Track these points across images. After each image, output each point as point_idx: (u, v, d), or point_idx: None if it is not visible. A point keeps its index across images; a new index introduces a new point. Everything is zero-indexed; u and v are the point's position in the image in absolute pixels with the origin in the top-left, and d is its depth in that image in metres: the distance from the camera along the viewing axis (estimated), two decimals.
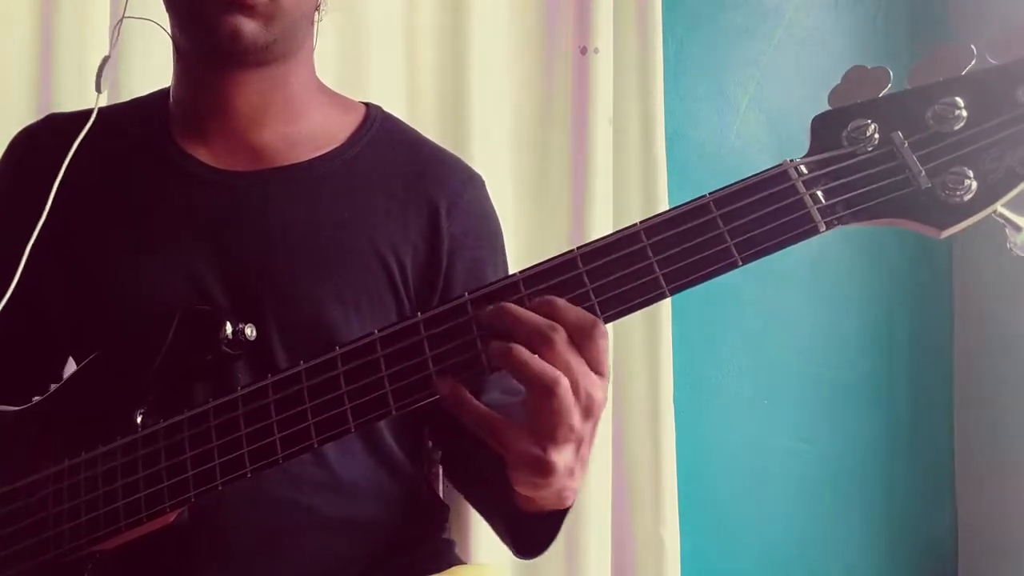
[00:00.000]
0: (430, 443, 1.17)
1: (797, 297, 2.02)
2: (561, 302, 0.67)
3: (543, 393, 0.66)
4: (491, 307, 0.68)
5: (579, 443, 0.69)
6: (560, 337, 0.66)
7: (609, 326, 1.74)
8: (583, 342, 0.67)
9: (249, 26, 0.90)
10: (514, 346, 0.67)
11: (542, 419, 0.67)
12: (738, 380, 1.99)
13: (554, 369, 0.66)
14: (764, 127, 2.01)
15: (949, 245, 2.09)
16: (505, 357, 0.67)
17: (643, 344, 1.77)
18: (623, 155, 1.79)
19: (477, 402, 0.69)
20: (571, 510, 0.81)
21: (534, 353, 0.66)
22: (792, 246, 0.63)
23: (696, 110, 1.99)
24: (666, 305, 1.74)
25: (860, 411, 2.05)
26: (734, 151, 1.98)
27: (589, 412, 0.68)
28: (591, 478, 1.66)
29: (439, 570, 1.05)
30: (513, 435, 0.68)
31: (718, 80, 2.01)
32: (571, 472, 0.70)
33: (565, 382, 0.66)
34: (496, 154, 1.71)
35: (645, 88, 1.80)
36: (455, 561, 1.10)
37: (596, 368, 0.67)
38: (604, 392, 0.69)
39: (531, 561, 1.63)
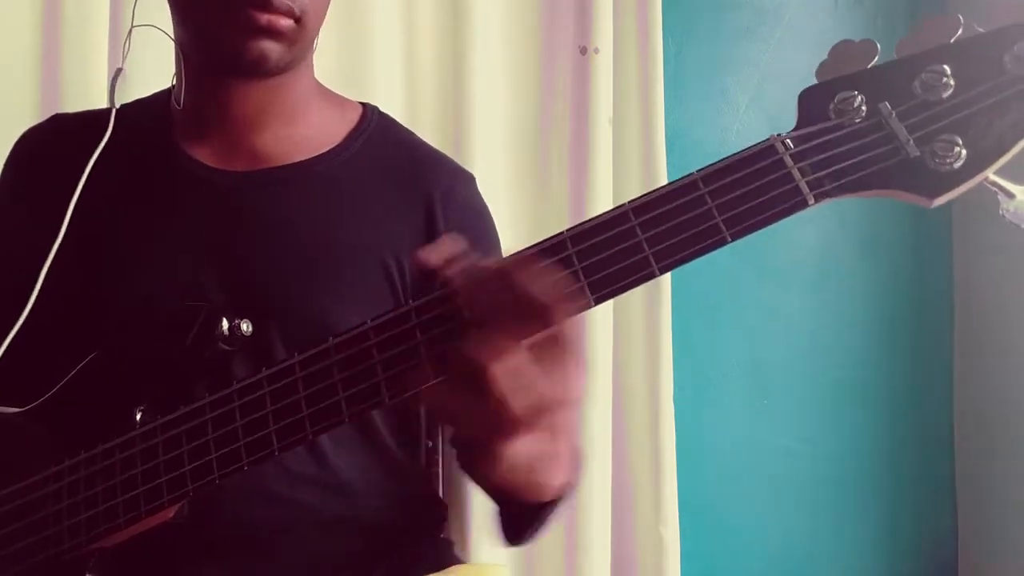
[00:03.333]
0: (429, 443, 1.16)
1: (797, 296, 2.02)
2: (537, 269, 0.65)
3: (472, 375, 0.62)
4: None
5: (535, 435, 0.65)
6: (511, 314, 0.63)
7: (609, 325, 1.73)
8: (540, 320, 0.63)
9: (275, 50, 0.92)
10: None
11: (482, 402, 0.63)
12: (738, 379, 1.99)
13: (479, 352, 0.62)
14: (764, 127, 2.00)
15: (950, 243, 2.08)
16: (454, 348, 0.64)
17: (643, 343, 1.77)
18: (623, 155, 1.79)
19: (441, 390, 0.66)
20: (569, 508, 0.80)
21: (484, 326, 0.64)
22: (781, 220, 0.62)
23: (696, 110, 1.99)
24: (666, 304, 1.74)
25: (860, 411, 2.05)
26: (734, 151, 1.97)
27: (539, 409, 0.63)
28: (591, 478, 1.66)
29: (438, 570, 1.04)
30: (462, 417, 0.65)
31: (718, 80, 2.02)
32: (530, 467, 0.68)
33: (495, 368, 0.62)
34: (496, 154, 1.71)
35: (645, 88, 1.80)
36: (454, 561, 1.10)
37: (557, 357, 0.63)
38: (556, 385, 0.63)
39: (531, 560, 1.63)
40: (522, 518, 0.85)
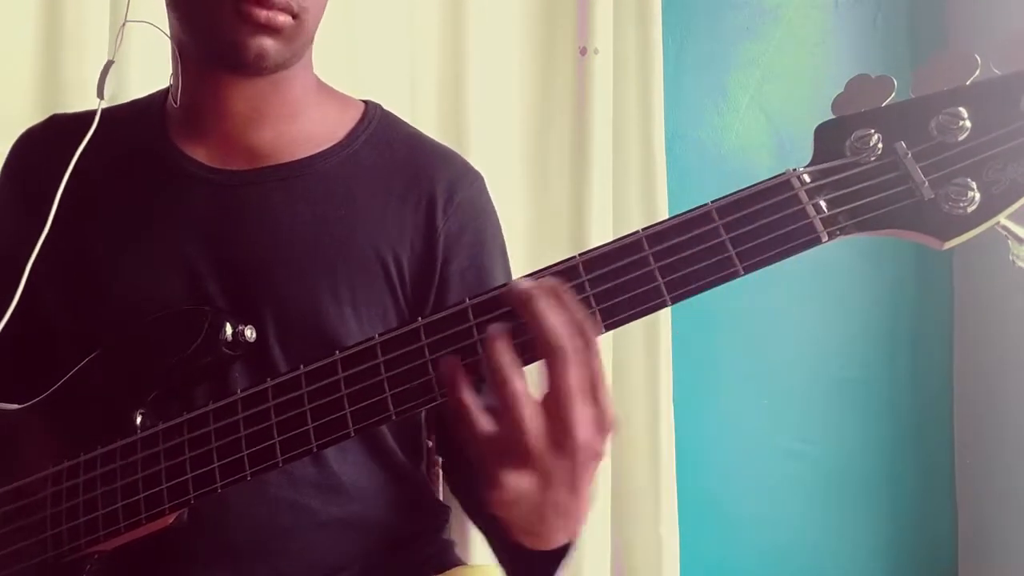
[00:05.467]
0: (430, 442, 1.16)
1: (797, 297, 2.02)
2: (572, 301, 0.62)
3: (497, 391, 0.62)
4: (524, 288, 0.63)
5: (544, 477, 0.63)
6: (575, 346, 0.61)
7: None
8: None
9: (274, 47, 0.91)
10: (496, 344, 0.62)
11: (500, 424, 0.63)
12: (738, 380, 1.99)
13: (511, 372, 0.62)
14: (764, 127, 2.00)
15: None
16: (488, 352, 0.63)
17: (643, 344, 1.77)
18: (623, 155, 1.79)
19: (465, 386, 0.65)
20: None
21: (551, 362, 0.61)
22: (794, 256, 0.63)
23: (696, 110, 1.99)
24: None
25: (860, 411, 2.05)
26: (734, 151, 1.98)
27: (561, 445, 0.62)
28: None
29: (439, 570, 1.05)
30: (478, 431, 0.64)
31: (718, 80, 2.01)
32: (538, 511, 0.65)
33: (521, 392, 0.61)
34: (496, 154, 1.70)
35: (645, 88, 1.79)
36: (455, 561, 1.10)
37: (592, 392, 0.62)
38: (590, 428, 0.62)
39: None
40: (531, 562, 0.79)
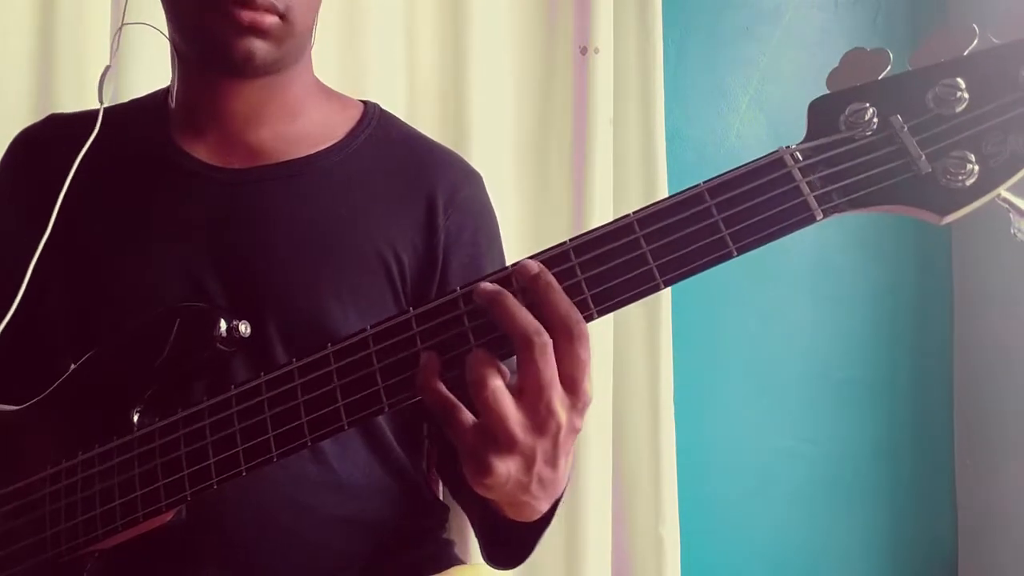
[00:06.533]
0: (427, 441, 1.16)
1: (797, 296, 2.02)
2: (557, 291, 0.64)
3: (476, 391, 0.64)
4: (491, 289, 0.66)
5: (529, 458, 0.66)
6: (541, 341, 0.63)
7: (609, 325, 1.72)
8: (560, 346, 0.64)
9: (262, 48, 0.92)
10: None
11: (483, 418, 0.65)
12: (738, 379, 1.99)
13: (483, 366, 0.64)
14: (764, 127, 2.00)
15: (949, 245, 2.08)
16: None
17: (643, 344, 1.76)
18: (623, 155, 1.79)
19: (440, 383, 0.67)
20: (555, 520, 0.81)
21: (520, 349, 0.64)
22: (789, 235, 0.62)
23: (696, 110, 1.99)
24: (666, 304, 1.74)
25: (860, 411, 2.04)
26: (734, 151, 1.98)
27: (542, 428, 0.65)
28: (591, 478, 1.66)
29: (439, 570, 1.05)
30: (462, 425, 0.66)
31: (718, 80, 2.01)
32: (522, 486, 0.68)
33: (497, 384, 0.64)
34: (496, 154, 1.70)
35: (645, 88, 1.79)
36: (455, 561, 1.10)
37: (568, 380, 0.65)
38: (567, 410, 0.65)
39: (530, 560, 1.62)
40: (511, 536, 0.86)
